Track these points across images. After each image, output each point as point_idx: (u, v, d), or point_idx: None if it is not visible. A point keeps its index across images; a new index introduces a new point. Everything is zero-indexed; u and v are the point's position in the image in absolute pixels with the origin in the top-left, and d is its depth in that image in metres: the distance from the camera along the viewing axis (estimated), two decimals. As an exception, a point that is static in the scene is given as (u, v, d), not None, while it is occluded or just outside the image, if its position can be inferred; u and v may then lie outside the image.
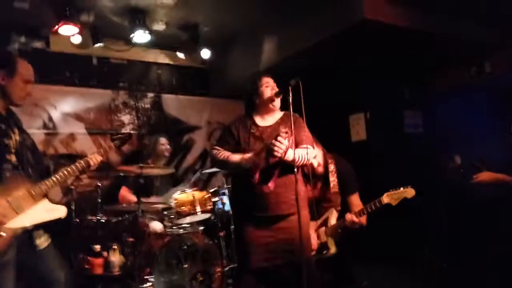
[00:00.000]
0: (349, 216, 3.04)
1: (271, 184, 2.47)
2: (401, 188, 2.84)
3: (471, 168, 2.88)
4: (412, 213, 3.32)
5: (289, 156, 2.38)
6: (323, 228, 3.12)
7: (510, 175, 2.75)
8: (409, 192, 2.81)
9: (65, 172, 2.24)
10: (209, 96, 5.61)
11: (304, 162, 2.50)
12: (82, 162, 2.29)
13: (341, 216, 3.14)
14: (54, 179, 2.21)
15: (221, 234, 3.81)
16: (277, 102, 2.60)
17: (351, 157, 3.56)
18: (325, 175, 3.28)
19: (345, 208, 3.21)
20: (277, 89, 2.58)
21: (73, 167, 2.27)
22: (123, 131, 4.87)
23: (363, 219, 3.07)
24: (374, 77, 4.79)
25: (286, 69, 4.26)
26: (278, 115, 2.66)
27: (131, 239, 3.37)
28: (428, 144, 4.89)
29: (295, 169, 2.37)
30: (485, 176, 2.81)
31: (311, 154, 2.56)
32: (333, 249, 3.05)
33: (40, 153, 2.38)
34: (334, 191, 3.22)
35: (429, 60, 4.74)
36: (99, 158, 2.33)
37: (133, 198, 3.67)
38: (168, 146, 4.17)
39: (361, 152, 4.89)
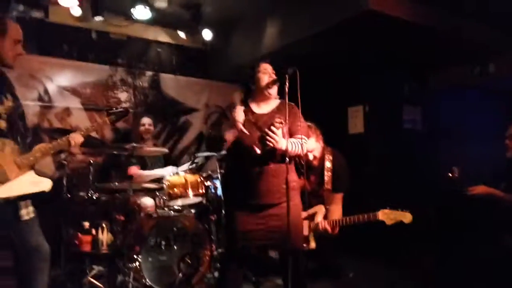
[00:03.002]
0: (323, 224, 3.11)
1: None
2: (399, 210, 2.86)
3: (468, 180, 2.93)
4: (404, 208, 3.38)
5: (282, 146, 2.40)
6: (307, 222, 3.18)
7: (501, 189, 2.82)
8: (407, 217, 2.84)
9: (45, 148, 2.26)
10: (208, 79, 5.59)
11: (297, 153, 2.53)
12: (62, 140, 2.31)
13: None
14: (39, 152, 2.24)
15: (212, 218, 3.86)
16: (274, 90, 2.60)
17: (347, 149, 3.60)
18: (321, 171, 3.32)
19: None
20: (274, 77, 2.58)
21: (52, 144, 2.28)
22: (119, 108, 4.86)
23: (337, 230, 3.13)
24: (375, 70, 4.79)
25: (286, 57, 4.26)
26: (274, 103, 2.66)
27: (121, 218, 3.40)
28: (425, 141, 4.92)
29: (287, 159, 2.40)
30: (480, 189, 2.87)
31: (305, 145, 2.59)
32: (313, 244, 3.13)
33: (27, 126, 2.40)
34: (327, 188, 3.26)
35: (433, 57, 4.73)
36: (80, 139, 2.34)
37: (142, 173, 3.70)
38: (150, 127, 4.17)
39: (357, 144, 4.92)
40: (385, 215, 2.88)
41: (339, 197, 3.28)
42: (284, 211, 2.40)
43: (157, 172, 3.77)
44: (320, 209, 3.27)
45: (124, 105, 4.92)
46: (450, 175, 3.03)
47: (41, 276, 2.24)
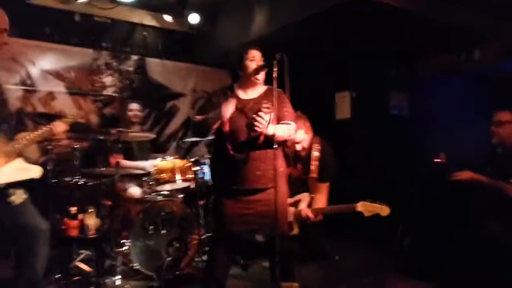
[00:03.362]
0: (305, 211, 3.18)
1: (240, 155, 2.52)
2: (377, 203, 2.95)
3: (454, 166, 2.99)
4: (389, 193, 3.47)
5: (270, 131, 2.43)
6: (292, 209, 3.24)
7: (487, 174, 2.88)
8: (385, 210, 2.92)
9: (29, 136, 2.25)
10: (195, 63, 5.54)
11: (285, 138, 2.55)
12: (46, 129, 2.29)
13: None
14: (25, 140, 2.22)
15: (200, 203, 3.89)
16: (261, 76, 2.61)
17: (334, 134, 3.64)
18: (308, 160, 3.37)
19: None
20: (262, 63, 2.59)
21: (36, 133, 2.27)
22: (104, 93, 4.83)
23: (319, 218, 3.21)
24: (363, 55, 4.81)
25: (273, 43, 4.24)
26: (261, 89, 2.67)
27: (108, 203, 3.40)
28: (411, 127, 4.99)
29: (275, 145, 2.42)
30: (465, 175, 2.91)
31: (292, 130, 2.61)
32: (295, 231, 3.21)
33: (11, 112, 2.38)
34: (313, 176, 3.32)
35: (419, 43, 4.77)
36: (62, 127, 2.33)
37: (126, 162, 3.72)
38: (139, 113, 4.12)
39: (344, 130, 4.97)
40: (364, 207, 2.98)
41: (324, 186, 3.34)
42: (271, 196, 2.44)
43: (139, 164, 3.77)
44: (304, 197, 3.34)
45: (109, 89, 4.87)
46: (437, 160, 3.10)
47: (40, 253, 2.27)
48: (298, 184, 3.37)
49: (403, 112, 5.25)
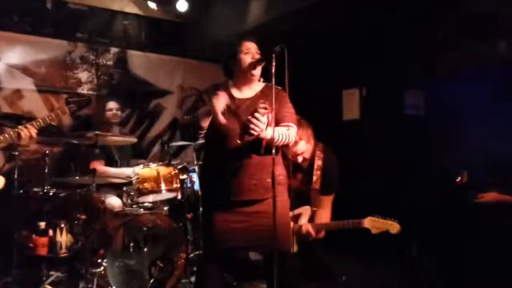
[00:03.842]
0: (306, 227, 3.18)
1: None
2: (387, 219, 2.97)
3: (478, 187, 3.00)
4: (402, 208, 3.46)
5: (268, 134, 2.40)
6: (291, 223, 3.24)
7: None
8: (395, 228, 2.94)
9: None
10: (183, 57, 5.57)
11: (285, 143, 2.53)
12: (11, 133, 2.26)
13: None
14: None
15: (188, 216, 3.88)
16: (257, 71, 2.59)
17: (341, 137, 3.63)
18: (310, 169, 3.37)
19: None
20: (259, 56, 2.57)
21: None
22: (80, 90, 4.83)
23: (321, 234, 3.22)
24: (374, 49, 4.81)
25: (272, 33, 4.25)
26: (258, 86, 2.65)
27: (82, 217, 3.38)
28: (429, 129, 4.98)
29: (274, 150, 2.40)
30: (491, 196, 2.94)
31: (293, 133, 2.59)
32: (295, 248, 3.20)
33: None
34: (315, 187, 3.32)
35: (438, 35, 4.77)
36: (33, 131, 2.30)
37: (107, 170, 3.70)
38: (118, 112, 4.15)
39: (352, 132, 4.97)
40: (372, 223, 3.00)
41: (328, 199, 3.35)
42: (270, 208, 2.41)
43: (125, 170, 3.76)
44: (305, 211, 3.33)
45: (85, 86, 4.87)
46: (458, 179, 3.11)
47: None
48: (298, 197, 3.36)
49: (419, 111, 5.25)
